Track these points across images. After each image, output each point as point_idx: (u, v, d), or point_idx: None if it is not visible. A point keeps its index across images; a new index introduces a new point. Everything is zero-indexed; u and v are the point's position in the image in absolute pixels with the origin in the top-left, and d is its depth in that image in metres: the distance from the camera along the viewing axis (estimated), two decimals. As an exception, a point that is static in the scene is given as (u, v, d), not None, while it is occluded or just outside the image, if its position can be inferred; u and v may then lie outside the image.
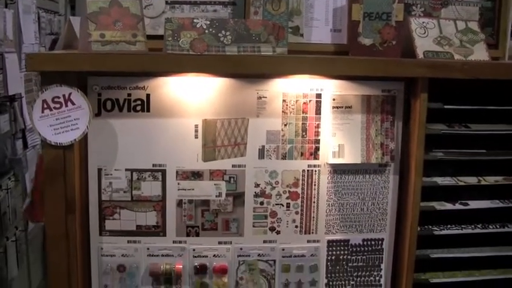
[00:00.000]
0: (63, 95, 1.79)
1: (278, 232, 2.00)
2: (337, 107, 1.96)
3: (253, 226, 1.98)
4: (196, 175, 1.94)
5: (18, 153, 4.80)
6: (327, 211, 2.01)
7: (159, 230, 1.96)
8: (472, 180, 2.11)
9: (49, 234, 1.91)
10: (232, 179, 1.95)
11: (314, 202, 2.00)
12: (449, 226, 2.10)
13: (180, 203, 1.95)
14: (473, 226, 2.13)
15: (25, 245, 4.87)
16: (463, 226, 2.12)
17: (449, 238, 2.12)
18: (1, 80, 3.78)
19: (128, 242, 1.97)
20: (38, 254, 5.36)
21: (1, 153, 4.42)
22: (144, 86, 1.89)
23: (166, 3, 2.13)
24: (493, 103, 2.04)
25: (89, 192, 1.93)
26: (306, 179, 1.98)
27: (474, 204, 2.12)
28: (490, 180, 2.12)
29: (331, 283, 2.05)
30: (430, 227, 2.08)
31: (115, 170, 1.92)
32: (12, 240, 4.48)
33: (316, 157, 1.97)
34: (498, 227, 2.15)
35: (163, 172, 1.93)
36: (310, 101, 1.95)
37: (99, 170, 1.92)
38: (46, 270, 5.64)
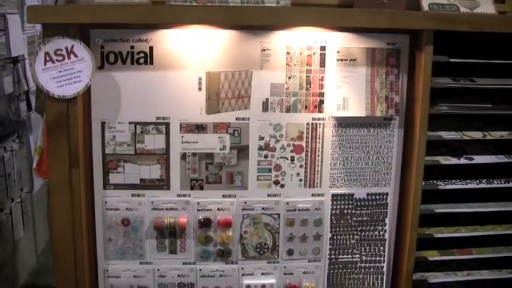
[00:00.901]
0: (66, 48, 1.78)
1: (282, 186, 2.00)
2: (341, 60, 1.94)
3: (258, 179, 1.98)
4: (200, 128, 1.93)
5: (22, 115, 4.80)
6: (331, 165, 2.00)
7: (163, 184, 1.96)
8: (477, 134, 2.10)
9: (53, 188, 1.90)
10: (236, 132, 1.94)
11: (318, 156, 1.99)
12: (454, 181, 2.10)
13: (184, 156, 1.94)
14: (478, 181, 2.12)
15: (30, 206, 4.89)
16: (467, 181, 2.11)
17: (453, 193, 2.11)
18: (4, 41, 3.77)
19: (132, 195, 1.97)
20: (43, 216, 5.39)
21: (5, 115, 4.42)
22: (147, 39, 1.87)
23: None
24: (499, 57, 2.02)
25: (92, 145, 1.93)
26: (310, 132, 1.97)
27: (479, 159, 2.11)
28: (495, 135, 2.11)
29: (335, 237, 2.05)
30: (435, 181, 2.07)
31: (118, 123, 1.91)
32: (17, 202, 4.51)
33: (320, 110, 1.96)
34: (503, 182, 2.14)
35: (167, 125, 1.92)
36: (314, 53, 1.94)
37: (103, 124, 1.92)
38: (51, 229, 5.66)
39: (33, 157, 4.02)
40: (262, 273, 2.05)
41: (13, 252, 4.50)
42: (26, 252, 4.86)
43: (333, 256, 2.06)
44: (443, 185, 2.06)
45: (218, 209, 1.98)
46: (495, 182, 2.13)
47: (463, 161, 2.07)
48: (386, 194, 2.04)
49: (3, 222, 4.21)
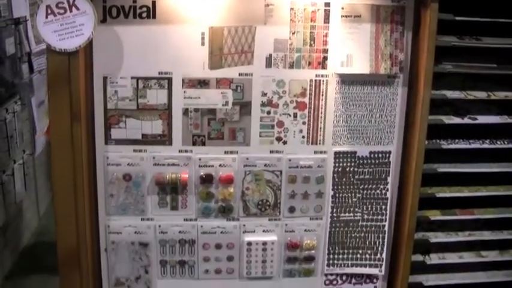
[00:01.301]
0: (68, 0, 1.76)
1: (285, 142, 1.99)
2: (346, 16, 1.93)
3: (260, 136, 1.98)
4: (203, 83, 1.92)
5: (24, 77, 4.79)
6: (334, 122, 1.99)
7: (165, 139, 1.95)
8: (481, 94, 2.10)
9: (54, 143, 1.90)
10: (239, 88, 1.94)
11: (321, 113, 1.98)
12: (457, 141, 2.10)
13: (186, 112, 1.94)
14: (481, 141, 2.13)
15: (32, 169, 4.91)
16: (470, 141, 2.12)
17: (456, 153, 2.11)
18: (5, 2, 3.75)
19: (134, 151, 1.97)
20: (46, 179, 5.41)
21: (7, 76, 4.41)
22: (150, -7, 1.86)
23: None
24: (505, 16, 2.01)
25: (94, 100, 1.92)
26: (313, 88, 1.96)
27: (482, 119, 2.11)
28: (500, 95, 2.11)
29: (337, 195, 2.05)
30: (438, 141, 2.07)
31: (120, 78, 1.91)
32: (19, 164, 4.52)
33: (324, 67, 1.95)
34: (506, 143, 2.15)
35: (169, 80, 1.91)
36: (318, 9, 1.92)
37: (105, 78, 1.91)
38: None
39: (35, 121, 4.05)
40: (263, 231, 2.06)
41: (16, 213, 4.52)
42: (29, 214, 4.90)
43: (334, 214, 2.06)
44: (446, 145, 2.07)
45: (220, 165, 1.98)
46: (498, 142, 2.13)
47: (466, 120, 2.07)
48: (389, 153, 2.04)
49: (5, 183, 4.22)
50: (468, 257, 2.22)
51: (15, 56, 4.33)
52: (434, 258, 2.19)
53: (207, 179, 1.97)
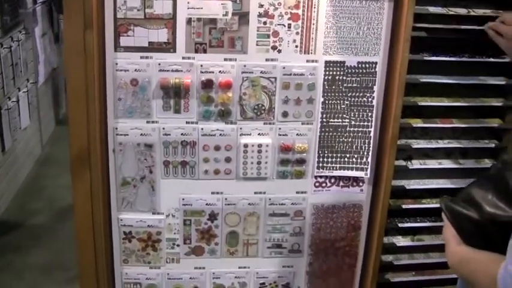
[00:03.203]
0: None
1: (279, 51, 2.14)
2: None
3: (257, 45, 2.13)
4: (205, -6, 2.06)
5: (28, 7, 4.92)
6: (325, 33, 2.14)
7: (169, 47, 2.11)
8: (461, 11, 2.23)
9: (67, 51, 2.06)
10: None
11: (313, 24, 2.13)
12: (438, 53, 2.24)
13: (189, 21, 2.09)
14: (461, 55, 2.27)
15: (36, 97, 5.06)
16: (451, 54, 2.26)
17: (438, 64, 2.26)
18: None
19: (141, 57, 2.12)
20: (49, 108, 5.56)
21: (12, 5, 4.53)
22: None
23: None
24: None
25: (104, 10, 2.06)
26: (306, 1, 2.11)
27: (463, 34, 2.24)
28: (479, 12, 2.23)
29: (327, 101, 2.21)
30: (421, 53, 2.22)
31: (129, -12, 2.04)
32: (24, 91, 4.68)
33: (316, -19, 2.09)
34: (484, 57, 2.29)
35: (174, -9, 2.05)
36: None
37: (114, -11, 2.05)
38: (57, 121, 5.86)
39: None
40: (258, 134, 2.21)
41: (20, 140, 4.69)
42: (32, 142, 5.07)
43: (324, 120, 2.22)
44: (428, 56, 2.21)
45: (220, 71, 2.13)
46: (477, 56, 2.27)
47: (447, 34, 2.21)
48: (375, 63, 2.19)
49: (11, 109, 4.38)
50: (447, 164, 2.36)
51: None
52: (416, 164, 2.34)
53: (207, 84, 2.13)
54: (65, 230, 4.30)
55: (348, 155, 2.28)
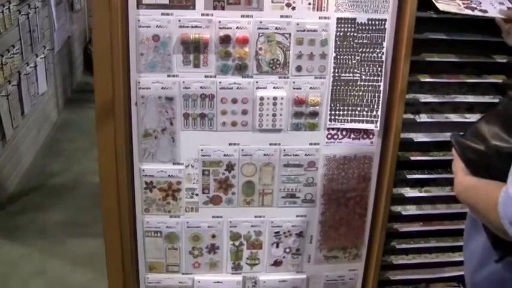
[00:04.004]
0: None
1: (293, 8, 2.24)
2: None
3: (272, 2, 2.22)
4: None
5: (45, -26, 5.00)
6: (337, -10, 2.24)
7: (189, 4, 2.21)
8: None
9: (95, 7, 2.17)
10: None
11: (326, -18, 2.23)
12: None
13: (208, -21, 2.19)
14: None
15: (52, 64, 5.18)
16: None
17: (445, 22, 2.35)
18: None
19: (162, 14, 2.22)
20: (64, 75, 5.68)
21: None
22: None
23: None
24: None
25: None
26: (319, -40, 2.20)
27: None
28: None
29: (338, 57, 2.32)
30: (429, 11, 2.31)
31: (150, -52, 2.15)
32: (41, 57, 4.80)
33: None
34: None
35: (194, -50, 2.15)
36: None
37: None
38: (71, 89, 5.99)
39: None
40: (274, 87, 2.32)
41: (38, 105, 4.82)
42: (49, 107, 5.20)
43: (336, 74, 2.33)
44: (435, 15, 2.30)
45: (237, 27, 2.23)
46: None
47: (455, -7, 2.30)
48: (385, 20, 2.29)
49: (29, 75, 4.50)
50: (453, 118, 2.45)
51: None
52: (423, 117, 2.44)
53: (225, 40, 2.23)
54: (83, 189, 4.45)
55: (358, 108, 2.38)
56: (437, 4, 2.15)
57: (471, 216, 1.82)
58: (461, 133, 1.71)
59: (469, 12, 2.20)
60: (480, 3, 2.24)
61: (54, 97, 5.48)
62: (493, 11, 2.19)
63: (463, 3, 2.23)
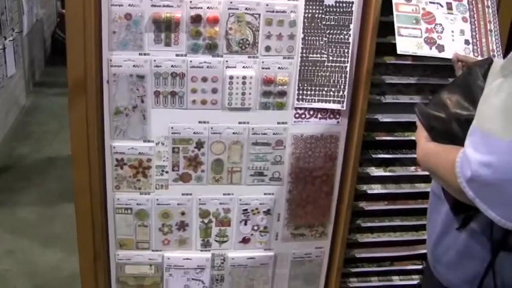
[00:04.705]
0: None
1: (263, -8, 2.29)
2: None
3: (242, -18, 2.27)
4: None
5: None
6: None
7: (161, -17, 2.25)
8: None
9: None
10: None
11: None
12: (411, -5, 2.40)
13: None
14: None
15: (21, 47, 5.17)
16: (423, -5, 2.42)
17: None
18: None
19: (134, -5, 2.25)
20: (33, 59, 5.67)
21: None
22: None
23: None
24: None
25: None
26: None
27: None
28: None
29: (306, 37, 2.37)
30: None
31: None
32: (9, 40, 4.79)
33: None
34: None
35: None
36: None
37: None
38: (40, 72, 5.97)
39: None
40: (243, 67, 2.37)
41: (6, 87, 4.81)
42: (18, 90, 5.19)
43: (304, 55, 2.38)
44: (401, -2, 2.37)
45: (208, 7, 2.27)
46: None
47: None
48: (352, 3, 2.34)
49: (-3, 57, 4.47)
50: (417, 99, 2.51)
51: None
52: (388, 98, 2.51)
53: (196, 19, 2.27)
54: (53, 171, 4.47)
55: (325, 89, 2.44)
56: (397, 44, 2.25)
57: (434, 192, 1.89)
58: (425, 103, 1.78)
59: (426, 51, 2.30)
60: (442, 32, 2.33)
61: (22, 80, 5.47)
62: (449, 50, 2.29)
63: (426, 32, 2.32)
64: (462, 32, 2.31)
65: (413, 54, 2.27)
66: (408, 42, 2.27)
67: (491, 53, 2.26)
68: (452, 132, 1.62)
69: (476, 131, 1.44)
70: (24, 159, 4.65)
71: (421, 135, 1.73)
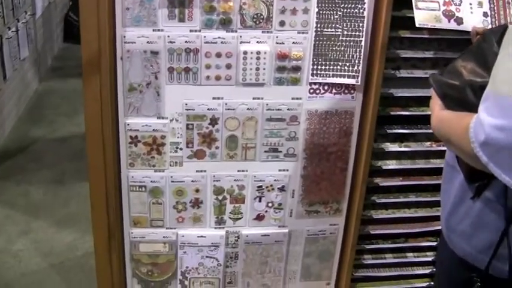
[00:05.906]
0: None
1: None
2: None
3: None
4: None
5: None
6: None
7: (174, -43, 2.24)
8: None
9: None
10: None
11: None
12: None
13: None
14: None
15: (33, 30, 5.18)
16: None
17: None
18: None
19: (147, -32, 2.24)
20: (46, 41, 5.67)
21: None
22: None
23: None
24: None
25: None
26: None
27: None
28: None
29: (321, 12, 2.35)
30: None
31: None
32: (23, 22, 4.79)
33: None
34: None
35: None
36: None
37: None
38: (52, 55, 5.98)
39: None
40: (257, 42, 2.35)
41: (20, 70, 4.82)
42: (31, 73, 5.20)
43: (318, 29, 2.37)
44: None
45: (221, -19, 2.25)
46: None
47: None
48: (368, -26, 2.32)
49: (11, 39, 4.50)
50: None
51: None
52: (403, 73, 2.49)
53: (211, -8, 2.25)
54: (67, 152, 4.48)
55: (340, 63, 2.42)
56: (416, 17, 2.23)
57: (448, 162, 1.88)
58: (439, 73, 1.77)
59: (444, 24, 2.28)
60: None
61: (35, 63, 5.48)
62: (467, 23, 2.26)
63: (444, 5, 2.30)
64: (480, 4, 2.29)
65: (432, 27, 2.24)
66: (426, 15, 2.25)
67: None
68: (467, 99, 1.60)
69: (490, 95, 1.42)
70: (38, 142, 4.67)
71: (435, 104, 1.72)
